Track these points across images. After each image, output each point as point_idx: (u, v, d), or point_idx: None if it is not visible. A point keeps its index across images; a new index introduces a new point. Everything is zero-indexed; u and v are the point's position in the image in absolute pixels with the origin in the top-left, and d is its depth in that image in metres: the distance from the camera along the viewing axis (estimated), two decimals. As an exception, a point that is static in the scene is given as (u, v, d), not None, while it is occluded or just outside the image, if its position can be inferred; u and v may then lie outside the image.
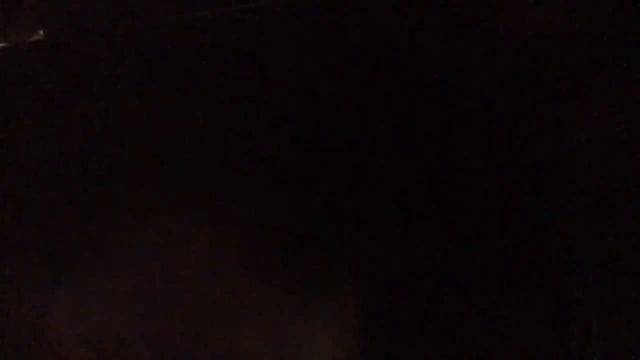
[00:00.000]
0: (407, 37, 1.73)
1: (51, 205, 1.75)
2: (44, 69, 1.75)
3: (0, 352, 1.72)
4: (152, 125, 1.76)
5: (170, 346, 1.71)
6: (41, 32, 1.63)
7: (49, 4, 1.75)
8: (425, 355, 1.70)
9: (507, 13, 1.71)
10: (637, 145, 1.67)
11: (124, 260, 1.74)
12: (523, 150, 1.70)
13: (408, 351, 1.71)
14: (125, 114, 1.76)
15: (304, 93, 1.75)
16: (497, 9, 1.71)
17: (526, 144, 1.70)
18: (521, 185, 1.71)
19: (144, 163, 1.75)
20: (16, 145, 1.75)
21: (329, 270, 1.73)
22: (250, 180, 1.75)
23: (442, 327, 1.70)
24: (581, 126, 1.70)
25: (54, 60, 1.76)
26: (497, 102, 1.71)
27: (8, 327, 1.73)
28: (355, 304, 1.72)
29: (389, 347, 1.71)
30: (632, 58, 1.68)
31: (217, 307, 1.72)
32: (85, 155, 1.75)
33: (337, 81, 1.74)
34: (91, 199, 1.75)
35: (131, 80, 1.76)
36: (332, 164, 1.74)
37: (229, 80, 1.76)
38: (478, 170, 1.71)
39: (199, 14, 1.75)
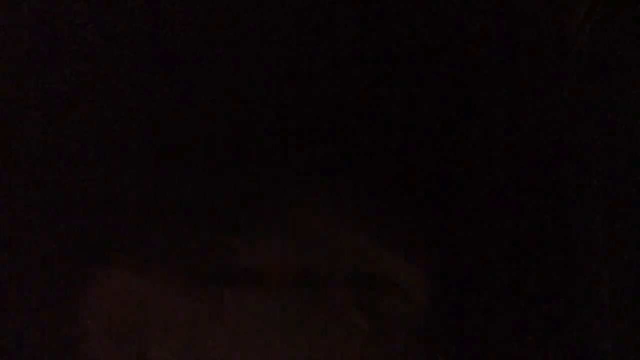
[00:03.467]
0: (407, 35, 1.73)
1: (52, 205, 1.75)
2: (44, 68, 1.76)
3: (0, 352, 1.72)
4: (152, 124, 1.76)
5: None
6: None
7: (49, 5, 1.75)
8: (425, 355, 1.71)
9: (507, 13, 1.71)
10: (637, 143, 1.67)
11: (124, 260, 1.74)
12: (526, 148, 1.71)
13: (408, 350, 1.71)
14: (125, 113, 1.76)
15: (304, 92, 1.76)
16: (497, 8, 1.71)
17: (529, 142, 1.71)
18: (522, 185, 1.71)
19: (143, 162, 1.75)
20: (16, 145, 1.75)
21: (329, 270, 1.73)
22: (250, 181, 1.75)
23: (443, 326, 1.71)
24: (583, 125, 1.70)
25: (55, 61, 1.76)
26: (499, 101, 1.72)
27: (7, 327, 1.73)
28: (355, 304, 1.72)
29: (389, 347, 1.71)
30: (632, 58, 1.68)
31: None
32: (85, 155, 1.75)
33: (337, 80, 1.74)
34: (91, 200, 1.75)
35: (131, 81, 1.76)
36: (333, 164, 1.74)
37: (228, 80, 1.76)
38: (477, 169, 1.72)
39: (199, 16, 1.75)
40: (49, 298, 1.74)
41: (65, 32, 1.76)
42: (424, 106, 1.74)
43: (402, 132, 1.74)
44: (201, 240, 1.75)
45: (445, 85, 1.73)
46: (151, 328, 1.73)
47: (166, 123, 1.76)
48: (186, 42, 1.76)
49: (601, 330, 1.67)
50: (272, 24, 1.76)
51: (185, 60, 1.76)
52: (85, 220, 1.75)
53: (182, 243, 1.75)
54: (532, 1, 1.72)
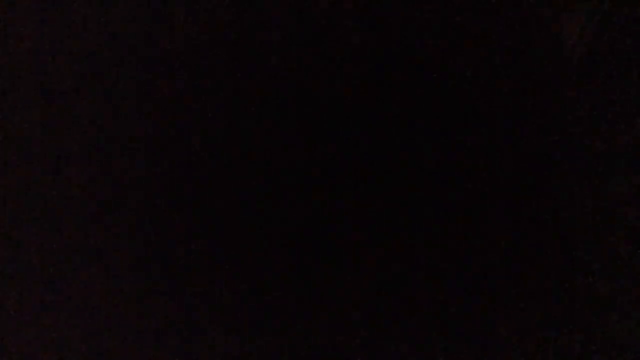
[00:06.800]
0: (407, 36, 1.74)
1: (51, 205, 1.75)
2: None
3: (0, 352, 1.72)
4: (153, 125, 1.76)
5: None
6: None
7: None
8: (425, 355, 1.71)
9: (507, 13, 1.72)
10: (636, 141, 1.68)
11: (124, 260, 1.74)
12: (526, 148, 1.71)
13: (408, 350, 1.71)
14: (126, 113, 1.76)
15: (304, 93, 1.76)
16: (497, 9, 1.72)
17: (530, 142, 1.71)
18: (522, 185, 1.71)
19: (144, 163, 1.76)
20: (16, 145, 1.75)
21: (330, 270, 1.73)
22: (250, 182, 1.75)
23: (443, 326, 1.71)
24: (583, 125, 1.71)
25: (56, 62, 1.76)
26: (499, 101, 1.72)
27: (8, 328, 1.73)
28: (356, 304, 1.72)
29: (389, 346, 1.71)
30: (632, 58, 1.68)
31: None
32: (86, 155, 1.75)
33: (337, 81, 1.75)
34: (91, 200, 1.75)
35: (131, 81, 1.76)
36: (332, 164, 1.74)
37: (228, 80, 1.76)
38: (478, 169, 1.72)
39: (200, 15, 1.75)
40: (49, 298, 1.74)
41: (65, 32, 1.76)
42: (424, 106, 1.74)
43: (402, 132, 1.74)
44: (201, 239, 1.75)
45: (446, 85, 1.74)
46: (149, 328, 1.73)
47: (166, 123, 1.76)
48: (186, 42, 1.76)
49: (601, 330, 1.67)
50: (272, 24, 1.76)
51: (185, 60, 1.76)
52: (86, 220, 1.75)
53: (182, 243, 1.75)
54: (533, 2, 1.72)
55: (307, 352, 1.72)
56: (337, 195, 1.75)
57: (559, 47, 1.71)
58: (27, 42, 1.76)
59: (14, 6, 1.75)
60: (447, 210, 1.72)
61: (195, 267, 1.74)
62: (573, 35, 1.70)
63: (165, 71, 1.76)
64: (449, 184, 1.73)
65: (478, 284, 1.71)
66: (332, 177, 1.75)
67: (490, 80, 1.73)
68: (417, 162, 1.74)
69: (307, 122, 1.76)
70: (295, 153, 1.76)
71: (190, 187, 1.76)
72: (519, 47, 1.73)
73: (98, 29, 1.76)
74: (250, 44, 1.76)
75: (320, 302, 1.73)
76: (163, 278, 1.74)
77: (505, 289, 1.70)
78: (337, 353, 1.72)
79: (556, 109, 1.72)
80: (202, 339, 1.72)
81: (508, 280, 1.70)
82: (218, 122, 1.76)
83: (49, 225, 1.75)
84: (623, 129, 1.69)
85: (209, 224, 1.75)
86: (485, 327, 1.70)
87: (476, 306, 1.70)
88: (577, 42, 1.70)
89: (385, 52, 1.74)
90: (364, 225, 1.74)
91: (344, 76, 1.75)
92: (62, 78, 1.76)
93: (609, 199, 1.69)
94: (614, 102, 1.69)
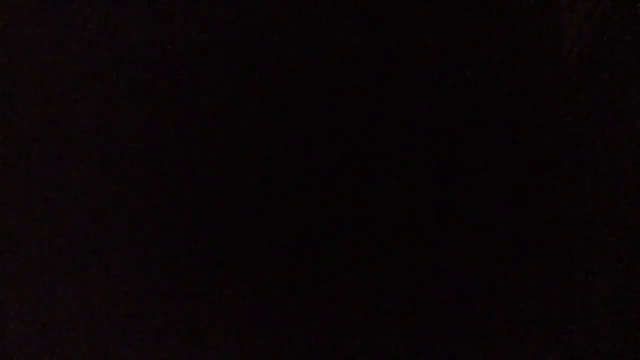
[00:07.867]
0: (407, 36, 1.74)
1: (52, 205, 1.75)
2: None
3: (0, 352, 1.72)
4: (152, 125, 1.76)
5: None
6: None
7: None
8: (425, 355, 1.71)
9: (507, 13, 1.72)
10: (636, 142, 1.68)
11: (124, 259, 1.74)
12: (526, 148, 1.71)
13: (407, 351, 1.71)
14: (126, 113, 1.76)
15: (305, 93, 1.76)
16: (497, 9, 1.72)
17: (530, 142, 1.71)
18: (522, 185, 1.72)
19: (144, 163, 1.76)
20: (16, 145, 1.75)
21: (330, 270, 1.74)
22: (250, 182, 1.75)
23: (443, 326, 1.71)
24: (583, 125, 1.71)
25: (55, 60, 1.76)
26: (499, 101, 1.72)
27: (8, 327, 1.73)
28: (356, 304, 1.72)
29: (389, 346, 1.71)
30: (632, 58, 1.68)
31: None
32: (86, 155, 1.75)
33: (337, 81, 1.75)
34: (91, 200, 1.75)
35: (131, 80, 1.76)
36: (332, 164, 1.74)
37: (228, 80, 1.76)
38: (478, 169, 1.72)
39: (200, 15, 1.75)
40: (49, 298, 1.74)
41: (65, 32, 1.76)
42: (424, 106, 1.74)
43: (402, 132, 1.74)
44: (201, 240, 1.75)
45: (446, 85, 1.74)
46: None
47: (166, 123, 1.76)
48: (186, 42, 1.76)
49: (601, 330, 1.67)
50: (272, 24, 1.76)
51: (185, 60, 1.76)
52: (85, 220, 1.75)
53: (182, 243, 1.75)
54: (533, 2, 1.72)
55: (307, 352, 1.72)
56: (337, 195, 1.75)
57: (559, 47, 1.71)
58: (27, 42, 1.76)
59: (14, 6, 1.75)
60: (447, 210, 1.73)
61: (195, 267, 1.74)
62: (573, 35, 1.70)
63: (165, 71, 1.76)
64: (449, 184, 1.73)
65: (478, 284, 1.71)
66: (332, 177, 1.75)
67: (490, 80, 1.73)
68: (417, 162, 1.74)
69: (307, 122, 1.76)
70: (295, 153, 1.76)
71: (190, 187, 1.76)
72: (519, 47, 1.73)
73: (98, 29, 1.76)
74: (250, 44, 1.76)
75: (320, 302, 1.73)
76: (163, 278, 1.74)
77: (505, 289, 1.70)
78: (337, 353, 1.72)
79: (556, 109, 1.72)
80: (202, 339, 1.72)
81: (508, 280, 1.70)
82: (218, 122, 1.76)
83: (49, 225, 1.75)
84: (623, 129, 1.69)
85: (209, 224, 1.75)
86: (485, 327, 1.70)
87: (476, 306, 1.71)
88: (577, 42, 1.70)
89: (385, 52, 1.74)
90: (364, 225, 1.74)
91: (344, 76, 1.75)
92: (62, 78, 1.76)
93: (609, 199, 1.69)
94: (614, 102, 1.69)
